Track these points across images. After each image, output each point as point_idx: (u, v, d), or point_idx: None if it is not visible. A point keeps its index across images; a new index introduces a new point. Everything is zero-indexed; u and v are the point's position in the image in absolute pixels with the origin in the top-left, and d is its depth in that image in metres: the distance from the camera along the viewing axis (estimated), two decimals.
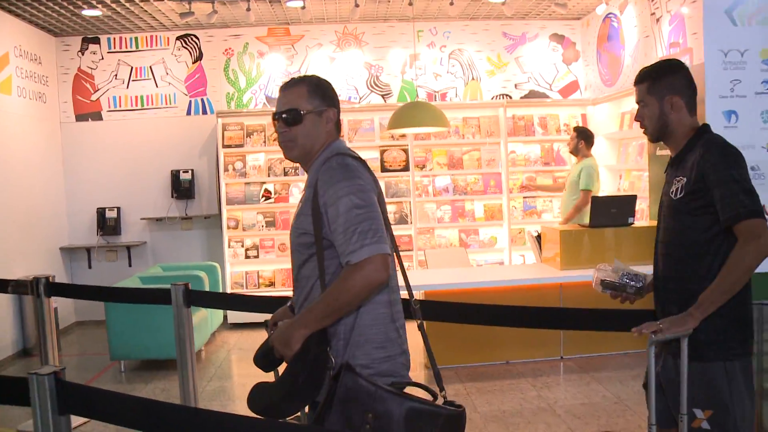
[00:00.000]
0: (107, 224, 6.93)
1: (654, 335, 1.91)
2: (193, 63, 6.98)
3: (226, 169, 6.71)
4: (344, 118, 6.69)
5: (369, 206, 1.69)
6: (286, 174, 6.80)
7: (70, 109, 6.99)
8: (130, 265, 6.98)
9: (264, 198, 6.81)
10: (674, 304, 2.03)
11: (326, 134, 1.86)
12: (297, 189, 6.83)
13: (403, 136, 6.83)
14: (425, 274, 5.39)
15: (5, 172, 5.86)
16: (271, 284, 6.82)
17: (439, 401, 1.73)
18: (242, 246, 6.84)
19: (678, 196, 2.03)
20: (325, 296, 1.67)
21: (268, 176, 6.80)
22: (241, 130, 6.80)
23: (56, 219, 6.83)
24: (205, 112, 6.96)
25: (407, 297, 1.96)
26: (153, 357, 5.21)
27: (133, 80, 7.00)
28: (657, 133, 2.13)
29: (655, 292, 2.16)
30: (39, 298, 4.00)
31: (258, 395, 1.74)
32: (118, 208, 6.98)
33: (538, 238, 5.74)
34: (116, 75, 6.99)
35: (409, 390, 1.73)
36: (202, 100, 6.98)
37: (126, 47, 6.98)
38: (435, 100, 6.95)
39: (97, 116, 6.99)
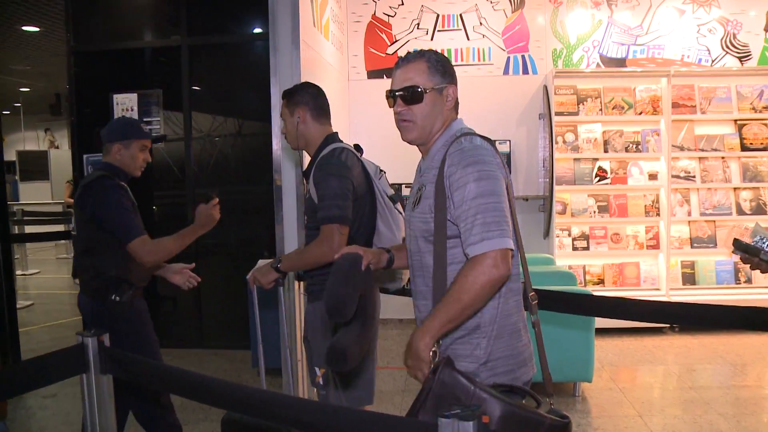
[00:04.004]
0: (405, 203, 6.19)
1: None
2: (513, 12, 6.25)
3: (555, 142, 5.93)
4: (695, 83, 5.94)
5: (496, 194, 1.72)
6: (626, 150, 6.04)
7: (360, 63, 6.31)
8: None
9: (598, 178, 6.05)
10: None
11: (446, 113, 1.90)
12: (637, 168, 6.10)
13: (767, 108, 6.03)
14: None
15: None
16: (600, 282, 6.11)
17: (545, 409, 1.72)
18: (569, 235, 6.11)
19: None
20: (447, 299, 1.70)
21: (605, 151, 6.05)
22: (573, 94, 6.05)
23: None
24: (525, 72, 6.23)
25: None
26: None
27: (439, 31, 6.33)
28: None
29: None
30: None
31: None
32: None
33: None
34: (418, 24, 6.29)
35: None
36: (523, 57, 6.24)
37: None
38: None
39: None
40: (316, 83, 4.77)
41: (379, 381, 4.99)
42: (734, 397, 4.37)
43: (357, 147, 2.91)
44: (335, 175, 2.62)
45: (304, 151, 2.97)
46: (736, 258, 2.34)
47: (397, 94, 1.89)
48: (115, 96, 5.69)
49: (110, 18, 5.78)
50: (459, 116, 1.97)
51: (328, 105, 2.93)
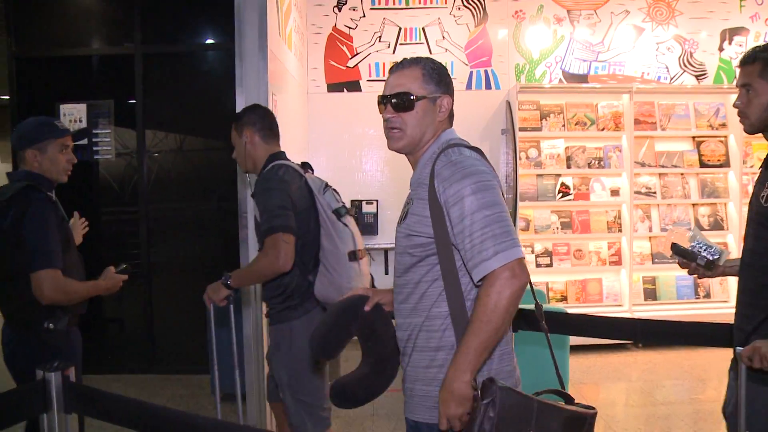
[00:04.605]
0: (365, 221, 6.11)
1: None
2: (476, 26, 6.26)
3: (519, 158, 5.93)
4: (655, 101, 6.06)
5: (498, 205, 1.66)
6: (589, 166, 6.08)
7: (320, 76, 6.19)
8: (386, 273, 6.17)
9: (561, 194, 6.07)
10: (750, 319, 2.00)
11: (438, 124, 1.84)
12: (599, 184, 6.14)
13: (724, 125, 6.19)
14: None
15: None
16: (563, 299, 6.12)
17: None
18: (532, 251, 6.11)
19: None
20: (475, 326, 1.60)
21: (568, 167, 6.08)
22: (536, 110, 6.07)
23: None
24: (488, 87, 6.23)
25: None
26: None
27: (401, 44, 6.26)
28: (762, 124, 2.04)
29: (736, 303, 2.13)
30: None
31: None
32: (377, 201, 6.15)
33: None
34: (380, 37, 6.22)
35: None
36: (486, 71, 6.23)
37: (394, 3, 6.28)
38: None
39: (355, 86, 6.19)
40: (282, 95, 4.68)
41: None
42: (708, 411, 4.39)
43: (305, 165, 2.97)
44: (273, 189, 2.66)
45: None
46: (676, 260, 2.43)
47: (388, 100, 1.82)
48: (61, 106, 5.40)
49: (56, 22, 5.49)
50: (427, 127, 1.86)
51: (277, 125, 2.96)
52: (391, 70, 1.88)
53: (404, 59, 1.88)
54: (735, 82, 2.12)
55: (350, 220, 2.85)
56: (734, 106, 2.12)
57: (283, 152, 2.91)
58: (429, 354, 1.76)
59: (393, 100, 1.81)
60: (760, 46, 2.09)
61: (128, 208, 5.50)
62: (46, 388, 1.85)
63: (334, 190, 2.92)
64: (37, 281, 2.41)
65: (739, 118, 2.14)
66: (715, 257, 2.28)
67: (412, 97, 1.79)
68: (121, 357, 5.47)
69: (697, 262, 2.30)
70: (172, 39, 5.43)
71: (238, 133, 2.86)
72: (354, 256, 2.77)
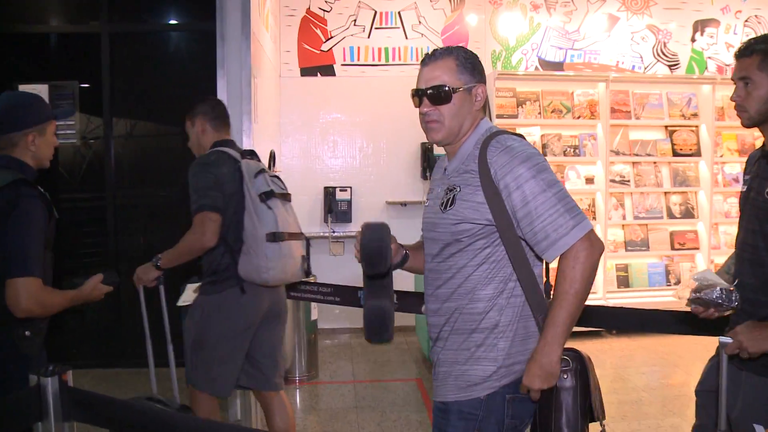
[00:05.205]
0: (339, 208, 6.04)
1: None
2: (453, 11, 6.20)
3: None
4: (629, 89, 6.13)
5: (558, 183, 1.71)
6: (564, 154, 6.12)
7: (293, 60, 6.05)
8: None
9: None
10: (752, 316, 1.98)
11: (475, 113, 1.85)
12: (574, 172, 6.18)
13: (695, 115, 6.31)
14: None
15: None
16: None
17: None
18: None
19: None
20: (562, 301, 1.68)
21: (544, 155, 6.05)
22: (512, 97, 6.06)
23: None
24: None
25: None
26: None
27: (376, 28, 6.15)
28: (761, 117, 2.01)
29: None
30: None
31: None
32: (351, 188, 6.08)
33: None
34: (355, 21, 6.11)
35: None
36: None
37: None
38: (726, 74, 6.43)
39: (329, 71, 6.08)
40: (261, 78, 4.55)
41: (326, 398, 4.77)
42: (688, 396, 4.47)
43: (250, 152, 3.08)
44: (200, 172, 2.83)
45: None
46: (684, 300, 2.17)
47: (424, 93, 1.80)
48: (21, 87, 5.13)
49: None
50: (465, 117, 1.83)
51: (228, 115, 3.12)
52: (423, 62, 1.85)
53: (435, 50, 1.85)
54: (731, 76, 2.08)
55: (277, 204, 2.90)
56: (732, 99, 2.08)
57: (231, 140, 3.06)
58: (469, 336, 1.79)
59: (429, 92, 1.79)
60: (755, 38, 2.05)
61: (93, 195, 5.29)
62: (41, 394, 1.72)
63: (275, 176, 3.01)
64: (14, 290, 2.13)
65: (736, 112, 2.08)
66: (736, 303, 2.02)
67: (448, 89, 1.78)
68: (87, 350, 5.27)
69: (721, 311, 2.03)
70: (141, 18, 5.22)
71: (191, 123, 3.04)
72: (274, 237, 2.82)
